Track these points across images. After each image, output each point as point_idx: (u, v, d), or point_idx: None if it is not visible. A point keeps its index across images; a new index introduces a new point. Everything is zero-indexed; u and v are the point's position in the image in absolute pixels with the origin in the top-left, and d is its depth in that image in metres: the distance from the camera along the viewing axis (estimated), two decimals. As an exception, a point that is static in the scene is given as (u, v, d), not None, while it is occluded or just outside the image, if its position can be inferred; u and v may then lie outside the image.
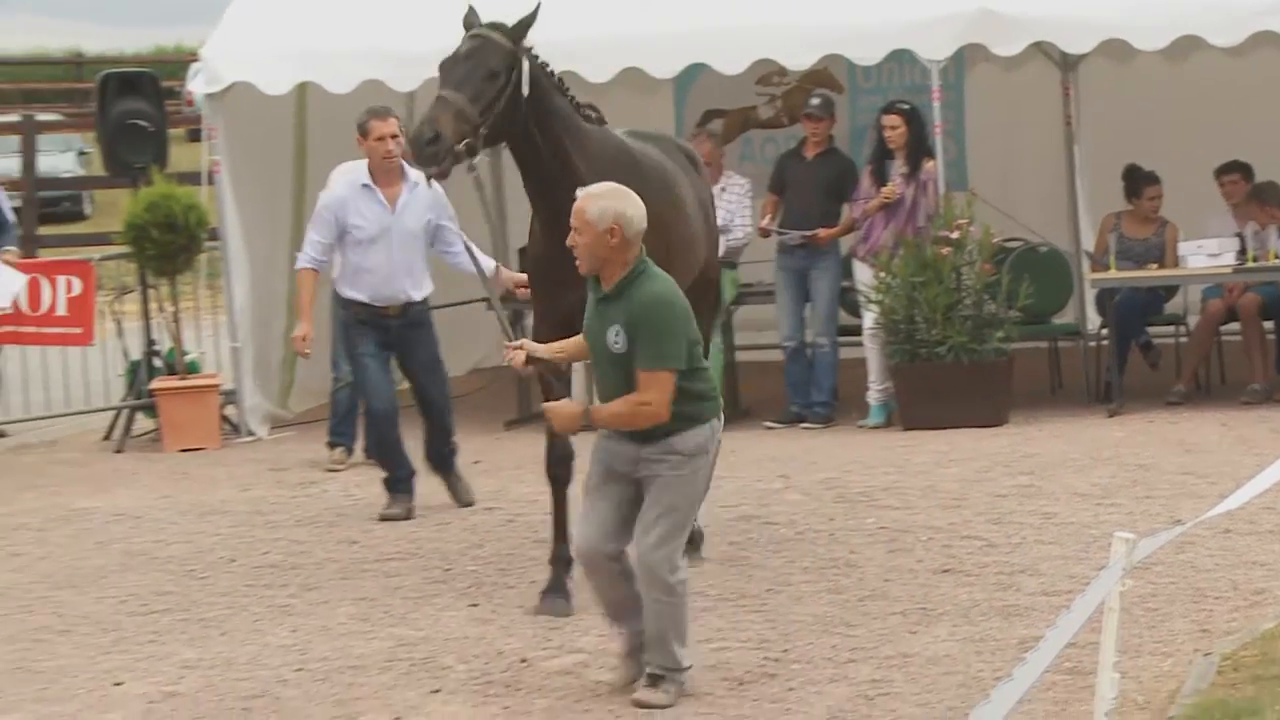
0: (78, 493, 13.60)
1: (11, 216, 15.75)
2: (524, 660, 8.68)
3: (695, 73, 15.78)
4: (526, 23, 9.18)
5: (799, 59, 15.54)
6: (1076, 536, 10.58)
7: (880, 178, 14.88)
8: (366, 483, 13.35)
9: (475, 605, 9.70)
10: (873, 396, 15.05)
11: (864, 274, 15.05)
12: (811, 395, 15.34)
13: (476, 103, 8.81)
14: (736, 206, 15.47)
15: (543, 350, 8.32)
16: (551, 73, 9.50)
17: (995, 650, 8.42)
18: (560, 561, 9.52)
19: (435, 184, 10.42)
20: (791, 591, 9.78)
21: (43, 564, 11.31)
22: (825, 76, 16.66)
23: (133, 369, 15.87)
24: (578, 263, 7.67)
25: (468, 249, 10.38)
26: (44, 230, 22.91)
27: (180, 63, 15.79)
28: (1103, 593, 5.73)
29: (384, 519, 12.05)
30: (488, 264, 10.97)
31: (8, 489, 13.79)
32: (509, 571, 10.44)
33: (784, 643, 8.78)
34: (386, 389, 12.10)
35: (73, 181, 31.45)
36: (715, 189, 15.23)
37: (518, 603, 9.76)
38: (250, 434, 15.60)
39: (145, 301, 15.92)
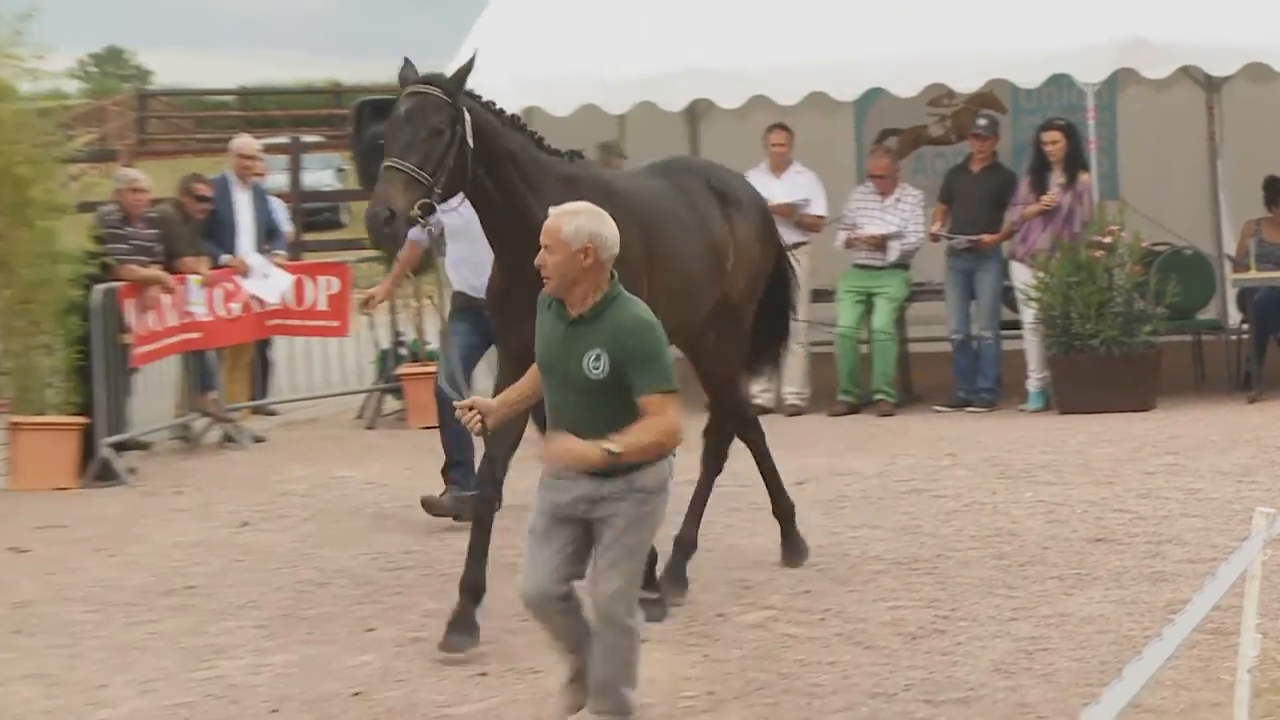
0: (336, 464, 13.74)
1: (288, 226, 15.93)
2: (720, 614, 8.65)
3: (874, 96, 15.66)
4: (464, 72, 7.94)
5: (967, 83, 15.41)
6: (1219, 511, 10.35)
7: (1039, 187, 14.71)
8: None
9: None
10: (1032, 384, 14.87)
11: (1020, 273, 14.86)
12: (977, 382, 15.20)
13: (426, 165, 7.61)
14: (910, 215, 15.41)
15: (495, 404, 7.07)
16: (500, 111, 8.22)
17: (1144, 612, 8.27)
18: (469, 591, 8.22)
19: None
20: (959, 557, 9.67)
21: (306, 525, 11.43)
22: (990, 98, 16.44)
23: (382, 357, 16.03)
24: (546, 284, 6.53)
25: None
26: (307, 237, 23.16)
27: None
28: (1245, 561, 5.59)
29: (425, 504, 11.04)
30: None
31: (278, 460, 13.95)
32: (707, 536, 10.39)
33: (952, 602, 8.69)
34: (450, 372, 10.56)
35: (332, 194, 31.74)
36: (890, 199, 15.29)
37: (718, 564, 9.70)
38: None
39: (393, 298, 16.03)
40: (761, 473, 9.78)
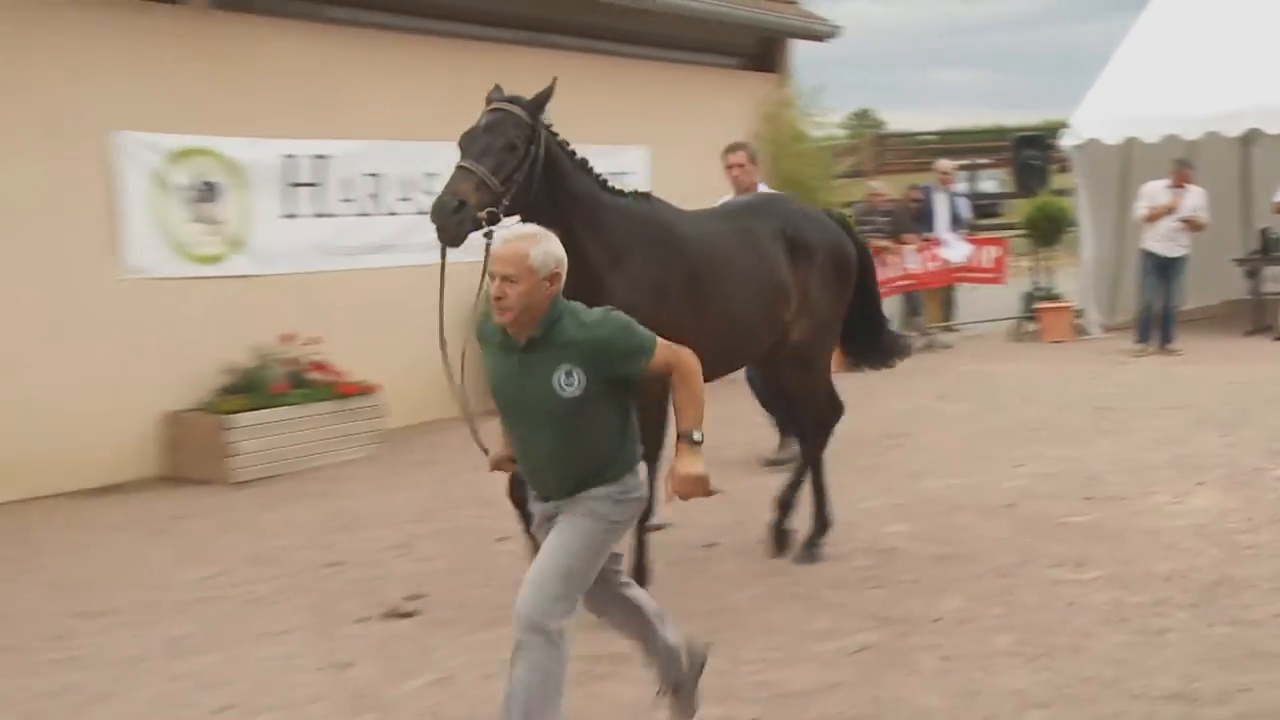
0: (992, 361, 13.38)
1: (968, 215, 15.72)
2: (1257, 469, 7.92)
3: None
4: (544, 97, 5.27)
5: None
6: None
7: None
8: (1159, 365, 12.57)
9: (1226, 436, 8.89)
10: None
11: None
12: None
13: (498, 173, 5.02)
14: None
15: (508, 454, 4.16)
16: (572, 151, 5.43)
17: None
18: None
19: (768, 190, 7.97)
20: None
21: (975, 399, 11.10)
22: None
23: (1026, 297, 15.54)
24: (503, 315, 3.85)
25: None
26: (980, 221, 22.76)
27: (1059, 127, 15.34)
28: None
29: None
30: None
31: (958, 359, 13.72)
32: (1253, 413, 9.56)
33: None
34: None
35: (995, 195, 31.01)
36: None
37: (1260, 438, 8.80)
38: (1089, 334, 14.88)
39: (1035, 260, 15.54)
40: (806, 473, 6.66)
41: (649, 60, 13.15)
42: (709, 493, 3.86)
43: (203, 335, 9.23)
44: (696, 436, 3.87)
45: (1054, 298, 15.21)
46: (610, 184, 5.58)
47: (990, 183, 32.55)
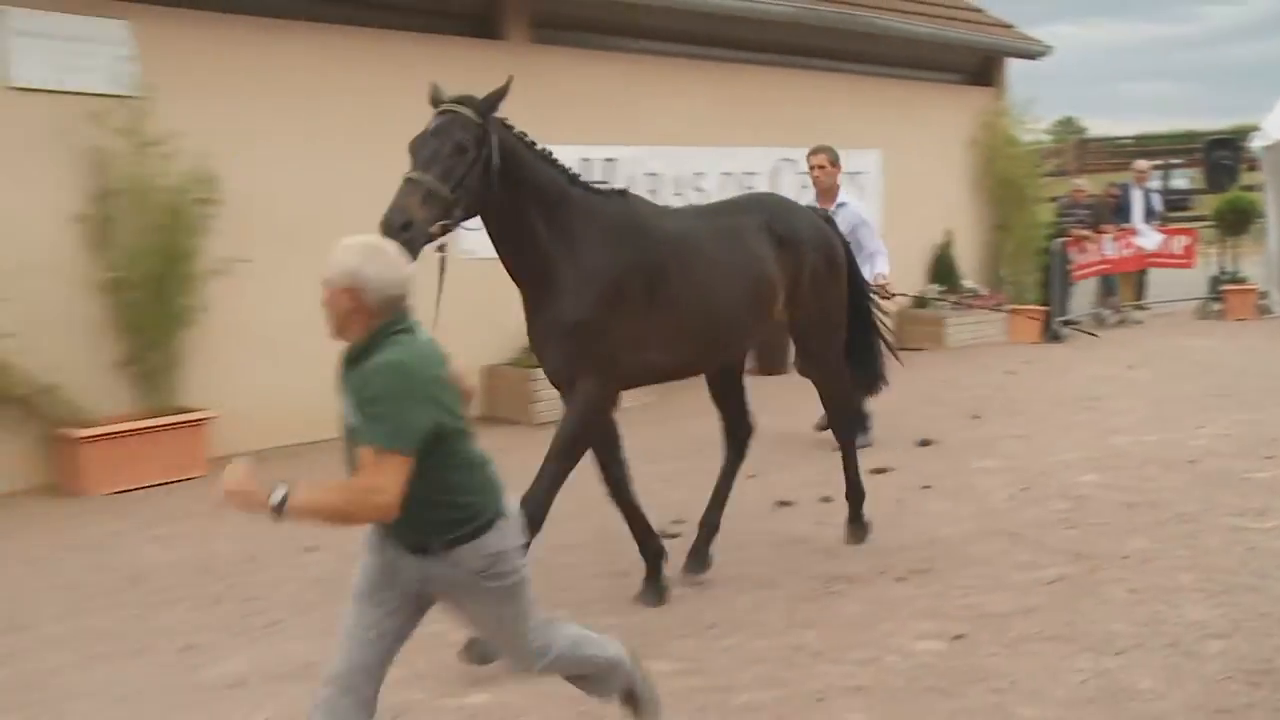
0: (1180, 336, 12.46)
1: (1160, 208, 14.69)
2: None
3: None
4: (497, 96, 4.11)
5: None
6: None
7: None
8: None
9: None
10: None
11: None
12: None
13: (447, 180, 3.97)
14: None
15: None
16: (531, 142, 4.30)
17: None
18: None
19: (856, 201, 6.93)
20: None
21: (1155, 367, 10.38)
22: None
23: (1213, 280, 14.36)
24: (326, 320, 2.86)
25: None
26: (1171, 214, 21.22)
27: (1250, 131, 14.16)
28: None
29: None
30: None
31: (1147, 334, 12.83)
32: None
33: None
34: None
35: (1186, 191, 28.95)
36: None
37: None
38: (1271, 313, 13.71)
39: (1222, 247, 14.33)
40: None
41: (885, 77, 12.92)
42: (238, 501, 2.66)
43: (513, 304, 9.50)
44: (279, 497, 2.64)
45: (1239, 280, 14.12)
46: (581, 178, 4.47)
47: (1181, 180, 30.45)
